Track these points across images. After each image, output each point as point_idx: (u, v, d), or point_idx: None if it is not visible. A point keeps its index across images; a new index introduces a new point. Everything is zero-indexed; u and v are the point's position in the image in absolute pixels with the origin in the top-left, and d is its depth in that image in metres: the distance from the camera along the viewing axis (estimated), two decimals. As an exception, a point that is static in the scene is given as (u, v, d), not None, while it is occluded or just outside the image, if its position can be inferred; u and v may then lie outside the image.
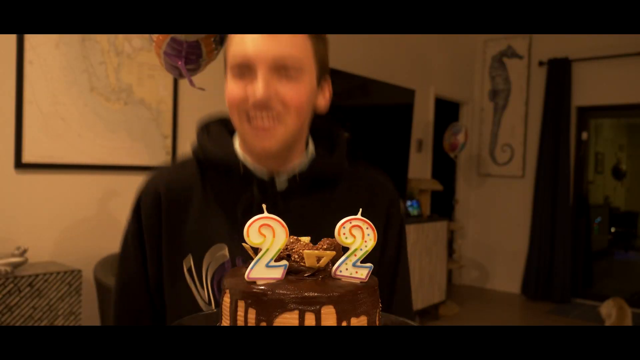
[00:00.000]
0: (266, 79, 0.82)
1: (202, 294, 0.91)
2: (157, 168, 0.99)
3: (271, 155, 0.88)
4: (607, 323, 3.59)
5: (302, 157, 0.94)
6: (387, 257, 0.98)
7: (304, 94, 0.86)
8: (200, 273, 0.91)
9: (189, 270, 0.91)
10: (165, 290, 0.93)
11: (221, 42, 1.98)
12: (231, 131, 0.96)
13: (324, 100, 0.94)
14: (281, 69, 0.83)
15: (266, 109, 0.83)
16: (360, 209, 0.68)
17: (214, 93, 3.20)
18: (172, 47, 1.90)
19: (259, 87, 0.82)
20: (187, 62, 1.90)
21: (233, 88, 0.85)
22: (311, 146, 0.97)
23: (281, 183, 0.91)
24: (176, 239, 0.91)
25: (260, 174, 0.91)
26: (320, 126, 0.99)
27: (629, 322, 3.52)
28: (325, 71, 0.92)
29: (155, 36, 1.92)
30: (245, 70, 0.84)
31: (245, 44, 0.83)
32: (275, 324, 0.60)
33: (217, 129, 0.96)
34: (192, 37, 1.79)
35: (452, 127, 5.29)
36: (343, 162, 0.96)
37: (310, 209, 0.90)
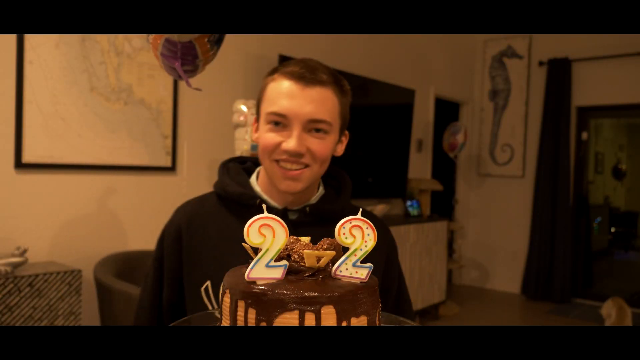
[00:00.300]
0: (300, 135, 0.96)
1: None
2: (182, 204, 1.13)
3: (292, 194, 1.01)
4: (607, 323, 3.59)
5: (313, 196, 1.08)
6: (392, 294, 1.13)
7: (329, 147, 1.01)
8: (218, 297, 1.00)
9: (207, 294, 1.01)
10: (188, 312, 1.05)
11: (217, 43, 1.98)
12: (245, 169, 1.12)
13: (341, 147, 1.08)
14: (312, 127, 0.97)
15: (296, 159, 0.97)
16: (360, 209, 0.69)
17: (214, 93, 3.20)
18: (167, 49, 1.90)
19: (293, 142, 0.95)
20: (183, 63, 1.91)
21: (269, 136, 0.98)
22: (321, 187, 1.11)
23: (293, 214, 1.05)
24: (195, 267, 1.03)
25: (274, 206, 1.04)
26: (330, 171, 1.12)
27: (629, 322, 3.52)
28: (346, 125, 1.06)
29: (151, 38, 1.92)
30: (280, 121, 0.97)
31: (283, 100, 0.96)
32: (275, 324, 0.60)
33: (235, 168, 1.11)
34: (185, 38, 1.79)
35: (451, 127, 5.29)
36: (348, 203, 1.11)
37: (318, 238, 0.97)
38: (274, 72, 1.01)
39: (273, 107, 0.97)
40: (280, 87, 0.97)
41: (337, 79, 1.01)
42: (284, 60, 3.40)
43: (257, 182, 1.08)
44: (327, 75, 0.99)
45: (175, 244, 1.05)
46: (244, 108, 2.84)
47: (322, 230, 1.01)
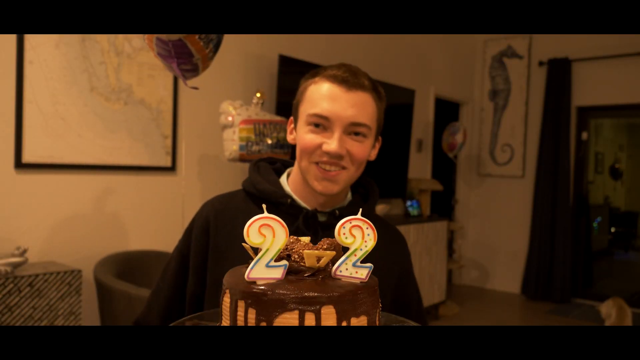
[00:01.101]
0: (341, 138, 0.97)
1: None
2: (210, 199, 1.12)
3: (328, 195, 1.03)
4: (607, 323, 3.59)
5: (342, 200, 1.10)
6: (414, 308, 1.15)
7: (367, 151, 1.03)
8: None
9: None
10: (206, 304, 1.05)
11: (212, 40, 1.98)
12: (275, 169, 1.13)
13: (374, 152, 1.10)
14: (353, 130, 0.99)
15: (336, 161, 0.99)
16: (360, 209, 0.69)
17: (214, 93, 3.20)
18: (161, 48, 1.90)
19: (334, 144, 0.97)
20: (180, 62, 1.91)
21: (309, 137, 0.99)
22: (349, 193, 1.13)
23: (322, 216, 1.06)
24: (220, 262, 1.03)
25: (304, 207, 1.05)
26: (359, 179, 1.15)
27: (629, 322, 3.52)
28: (380, 130, 1.08)
29: (146, 39, 1.92)
30: (321, 123, 0.98)
31: (325, 103, 0.97)
32: (275, 324, 0.60)
33: (266, 167, 1.12)
34: (174, 36, 1.80)
35: (450, 127, 5.29)
36: (373, 210, 1.13)
37: None
38: (314, 75, 1.03)
39: (315, 109, 0.98)
40: (322, 90, 0.98)
41: (375, 85, 1.03)
42: (284, 60, 3.40)
43: (287, 182, 1.09)
44: (367, 80, 1.01)
45: (203, 236, 1.06)
46: (230, 109, 2.83)
47: None
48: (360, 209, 0.69)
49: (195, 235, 1.07)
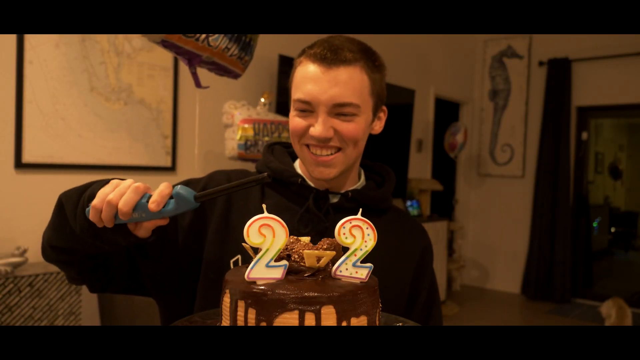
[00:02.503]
0: (325, 120, 0.92)
1: None
2: (222, 170, 1.06)
3: (326, 180, 0.98)
4: (607, 323, 3.59)
5: (354, 184, 1.04)
6: (421, 301, 1.07)
7: (360, 129, 0.95)
8: None
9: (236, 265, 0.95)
10: (201, 283, 0.96)
11: (217, 39, 1.99)
12: (289, 153, 1.08)
13: (379, 124, 1.03)
14: (338, 111, 0.92)
15: (325, 145, 0.94)
16: (361, 209, 0.69)
17: (214, 93, 3.20)
18: (172, 49, 1.91)
19: (319, 128, 0.92)
20: (192, 63, 1.92)
21: (297, 121, 0.95)
22: (363, 178, 1.08)
23: (334, 197, 1.01)
24: (229, 237, 0.96)
25: (314, 188, 1.01)
26: (374, 165, 1.11)
27: (628, 322, 3.52)
28: (382, 101, 1.01)
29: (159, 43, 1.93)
30: (306, 107, 0.93)
31: (307, 86, 0.92)
32: (275, 324, 0.60)
33: (280, 150, 1.08)
34: (156, 37, 1.81)
35: (452, 127, 5.30)
36: (389, 196, 1.07)
37: None
38: (301, 53, 0.98)
39: (298, 94, 0.94)
40: (305, 71, 0.93)
41: (368, 54, 0.95)
42: (284, 60, 3.39)
43: (299, 165, 1.05)
44: (353, 52, 0.93)
45: (210, 202, 0.97)
46: (231, 109, 2.88)
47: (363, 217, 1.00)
48: (360, 210, 0.69)
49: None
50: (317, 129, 0.92)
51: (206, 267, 0.97)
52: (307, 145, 0.96)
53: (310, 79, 0.92)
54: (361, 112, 0.94)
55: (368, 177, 1.10)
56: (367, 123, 0.97)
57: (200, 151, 3.21)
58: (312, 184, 1.01)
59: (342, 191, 1.02)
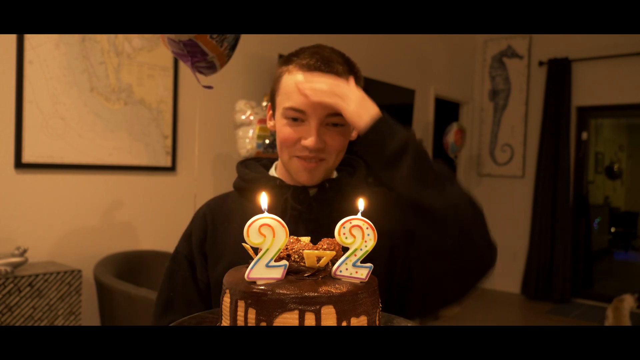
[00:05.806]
0: (318, 130, 0.95)
1: None
2: (206, 202, 1.13)
3: (312, 185, 1.01)
4: (606, 324, 3.60)
5: (329, 176, 1.07)
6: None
7: (345, 138, 1.00)
8: None
9: None
10: (213, 298, 1.03)
11: (224, 39, 1.98)
12: (262, 165, 1.11)
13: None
14: (330, 121, 0.96)
15: (315, 154, 0.97)
16: (361, 210, 0.69)
17: (214, 93, 3.20)
18: (175, 47, 1.90)
19: (311, 139, 0.95)
20: (195, 61, 1.91)
21: (287, 131, 0.97)
22: (335, 172, 1.10)
23: (312, 190, 1.03)
24: (219, 260, 1.01)
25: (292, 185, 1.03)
26: (344, 159, 1.12)
27: (626, 322, 3.53)
28: None
29: (161, 38, 1.93)
30: (299, 116, 0.95)
31: (300, 95, 0.94)
32: (275, 324, 0.60)
33: (253, 163, 1.12)
34: (184, 37, 1.80)
35: (447, 127, 5.29)
36: (365, 181, 1.09)
37: (338, 211, 0.93)
38: (288, 62, 0.99)
39: (289, 102, 0.95)
40: (297, 81, 0.95)
41: (351, 67, 1.00)
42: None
43: (275, 172, 1.08)
44: (342, 65, 0.98)
45: (202, 232, 1.05)
46: (246, 107, 2.91)
47: (340, 205, 1.00)
48: (360, 211, 0.69)
49: (195, 233, 1.06)
50: (310, 141, 0.95)
51: (214, 287, 1.03)
52: (296, 155, 0.98)
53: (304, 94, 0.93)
54: (346, 121, 0.97)
55: (340, 170, 1.12)
56: (350, 131, 1.01)
57: (200, 151, 3.21)
58: (289, 183, 1.04)
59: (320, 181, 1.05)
